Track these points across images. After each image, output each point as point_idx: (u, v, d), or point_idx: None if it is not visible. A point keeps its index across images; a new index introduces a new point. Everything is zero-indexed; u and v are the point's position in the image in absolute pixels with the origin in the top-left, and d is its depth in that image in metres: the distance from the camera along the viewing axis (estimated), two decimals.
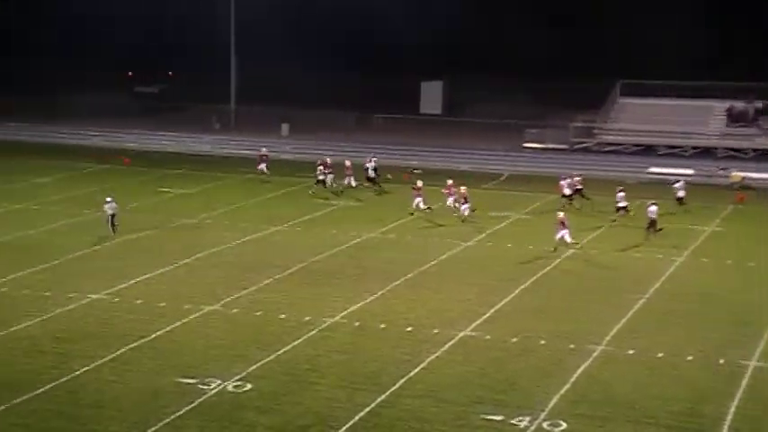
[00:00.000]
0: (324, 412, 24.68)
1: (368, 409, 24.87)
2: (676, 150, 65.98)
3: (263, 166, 54.97)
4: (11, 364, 27.36)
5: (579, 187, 48.61)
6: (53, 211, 46.07)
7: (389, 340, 29.77)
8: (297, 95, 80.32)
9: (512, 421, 24.32)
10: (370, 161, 53.03)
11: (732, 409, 25.16)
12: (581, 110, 69.94)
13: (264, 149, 57.12)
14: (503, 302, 33.52)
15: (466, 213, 44.96)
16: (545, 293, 34.75)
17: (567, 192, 48.18)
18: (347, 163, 52.37)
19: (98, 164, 59.21)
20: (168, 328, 30.41)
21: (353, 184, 51.58)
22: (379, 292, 34.35)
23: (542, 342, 29.73)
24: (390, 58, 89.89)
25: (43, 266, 36.87)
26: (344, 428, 23.92)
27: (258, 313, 32.01)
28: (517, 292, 34.81)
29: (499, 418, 24.50)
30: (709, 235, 43.88)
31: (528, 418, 24.47)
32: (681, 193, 48.25)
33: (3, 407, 24.65)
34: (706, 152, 65.42)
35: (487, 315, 32.20)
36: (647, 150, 66.17)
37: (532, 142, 68.72)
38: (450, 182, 46.98)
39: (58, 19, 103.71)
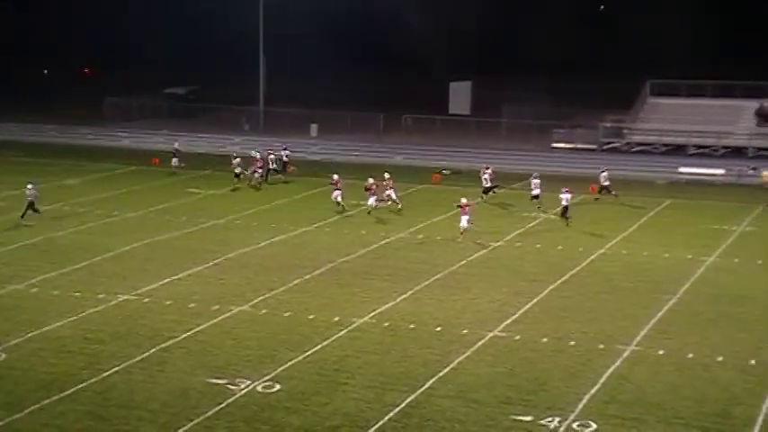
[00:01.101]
0: (353, 413, 24.67)
1: (397, 410, 24.83)
2: (706, 150, 65.53)
3: (175, 160, 56.45)
4: (41, 365, 27.49)
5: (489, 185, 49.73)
6: (82, 212, 46.33)
7: (419, 340, 29.72)
8: (325, 97, 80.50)
9: (541, 422, 24.22)
10: (271, 154, 55.42)
11: (763, 411, 24.93)
12: (610, 110, 69.67)
13: (177, 144, 59.16)
14: (532, 303, 33.40)
15: (373, 205, 46.14)
16: (574, 294, 34.59)
17: (488, 185, 49.55)
18: (256, 155, 54.52)
19: (128, 165, 59.48)
20: (197, 329, 30.49)
21: (259, 175, 53.58)
22: (409, 293, 34.31)
23: (572, 342, 29.60)
24: (419, 59, 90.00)
25: (73, 267, 37.07)
26: (374, 429, 23.88)
27: (287, 314, 32.04)
28: (546, 292, 34.67)
29: (529, 418, 24.40)
30: (740, 235, 43.52)
31: (558, 419, 24.35)
32: (605, 183, 49.60)
33: (33, 407, 24.78)
34: (737, 152, 64.97)
35: (517, 315, 32.09)
36: (677, 150, 65.79)
37: (561, 142, 68.48)
38: (335, 177, 47.95)
39: (87, 21, 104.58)
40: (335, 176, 48.13)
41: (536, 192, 47.50)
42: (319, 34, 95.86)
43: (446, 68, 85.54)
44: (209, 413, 24.54)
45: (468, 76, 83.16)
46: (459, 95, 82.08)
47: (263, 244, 41.00)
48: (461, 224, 41.26)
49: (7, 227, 43.54)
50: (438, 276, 36.45)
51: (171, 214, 46.42)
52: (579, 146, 67.53)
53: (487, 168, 50.34)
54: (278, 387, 26.13)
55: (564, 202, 44.49)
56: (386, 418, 24.40)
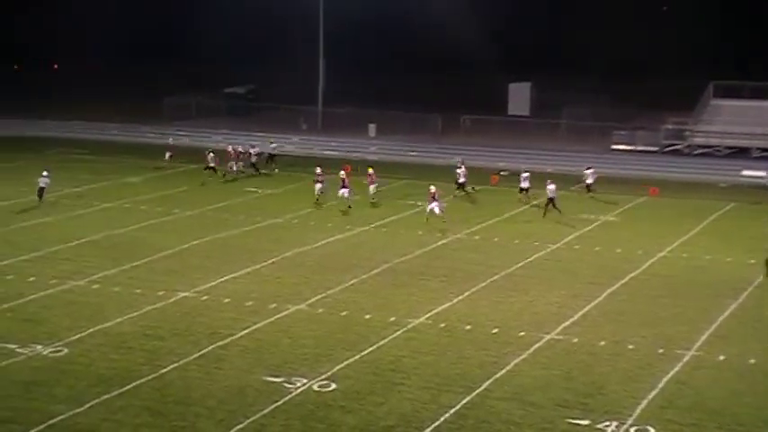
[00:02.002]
0: (408, 413, 24.63)
1: (453, 411, 24.76)
2: None
3: (168, 154, 57.74)
4: (101, 361, 27.82)
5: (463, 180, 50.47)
6: (143, 209, 46.83)
7: (475, 342, 29.61)
8: (384, 97, 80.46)
9: (598, 426, 24.02)
10: (254, 147, 57.29)
11: None
12: (671, 111, 68.80)
13: (171, 139, 60.90)
14: (590, 306, 33.11)
15: (346, 196, 47.07)
16: (633, 297, 34.24)
17: (462, 180, 50.17)
18: (229, 149, 55.91)
19: (187, 163, 59.85)
20: (255, 327, 30.66)
21: (235, 168, 54.97)
22: (465, 294, 34.20)
23: (630, 346, 29.30)
24: (478, 60, 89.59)
25: (133, 264, 37.44)
26: (429, 430, 23.84)
27: (343, 313, 32.09)
28: (605, 295, 34.36)
29: (586, 422, 24.20)
30: None
31: (615, 423, 24.13)
32: (590, 180, 50.44)
33: (94, 402, 25.08)
34: None
35: (574, 318, 31.84)
36: (741, 153, 64.75)
37: (621, 144, 67.78)
38: (318, 170, 49.18)
39: (146, 21, 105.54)
40: (319, 169, 49.24)
41: (524, 185, 48.79)
42: (377, 35, 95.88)
43: (506, 69, 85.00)
44: (266, 411, 24.66)
45: (528, 77, 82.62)
46: (519, 96, 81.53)
47: (320, 243, 41.11)
48: (429, 208, 43.65)
49: (70, 224, 44.13)
50: (495, 278, 36.28)
51: (229, 212, 46.71)
52: (639, 148, 66.78)
53: (462, 164, 51.09)
54: (334, 386, 26.19)
55: (550, 194, 45.76)
56: (441, 419, 24.34)
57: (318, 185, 48.27)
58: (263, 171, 56.45)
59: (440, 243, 41.39)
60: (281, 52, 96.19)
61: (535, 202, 48.08)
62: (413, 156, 63.75)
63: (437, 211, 43.59)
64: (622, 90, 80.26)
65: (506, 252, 40.03)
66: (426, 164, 60.46)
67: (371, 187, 48.74)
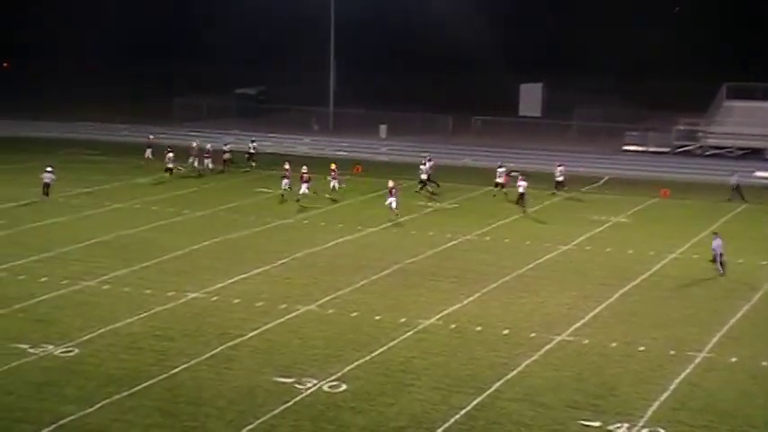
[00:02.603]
0: (419, 414, 24.58)
1: (463, 412, 24.70)
2: None
3: (149, 151, 58.43)
4: (112, 361, 27.82)
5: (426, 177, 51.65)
6: (153, 210, 46.84)
7: (486, 343, 29.54)
8: (395, 98, 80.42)
9: (609, 427, 23.94)
10: (226, 145, 59.01)
11: None
12: (683, 112, 68.60)
13: (152, 136, 61.34)
14: (601, 307, 33.01)
15: (306, 193, 48.35)
16: (645, 299, 34.12)
17: (423, 177, 51.45)
18: (193, 145, 58.10)
19: (197, 164, 59.88)
20: (265, 328, 30.64)
21: (211, 166, 56.67)
22: (476, 295, 34.12)
23: (641, 348, 29.19)
24: (489, 60, 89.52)
25: (143, 265, 37.46)
26: (440, 430, 23.80)
27: (354, 314, 32.05)
28: (616, 296, 34.25)
29: (597, 424, 24.11)
30: None
31: (626, 425, 24.05)
32: (560, 178, 51.59)
33: (104, 402, 25.08)
34: None
35: (586, 319, 31.75)
36: (753, 154, 64.47)
37: (632, 145, 67.60)
38: (287, 165, 50.45)
39: (146, 21, 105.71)
40: (287, 165, 50.41)
41: (500, 180, 50.50)
42: (389, 35, 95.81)
43: (517, 69, 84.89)
44: (276, 411, 24.63)
45: (540, 78, 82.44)
46: (530, 97, 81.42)
47: (330, 244, 41.07)
48: (388, 203, 45.02)
49: (80, 224, 44.19)
50: (505, 279, 36.20)
51: (239, 213, 46.72)
52: (651, 149, 66.60)
53: (429, 160, 52.20)
54: (344, 387, 26.15)
55: (521, 190, 47.16)
56: (452, 420, 24.28)
57: (285, 181, 49.44)
58: (246, 169, 57.38)
59: (450, 244, 41.32)
60: (292, 53, 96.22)
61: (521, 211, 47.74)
62: (424, 157, 63.51)
63: (393, 205, 44.83)
64: (633, 90, 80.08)
65: (517, 253, 39.95)
66: (437, 165, 60.22)
67: (333, 183, 49.78)
